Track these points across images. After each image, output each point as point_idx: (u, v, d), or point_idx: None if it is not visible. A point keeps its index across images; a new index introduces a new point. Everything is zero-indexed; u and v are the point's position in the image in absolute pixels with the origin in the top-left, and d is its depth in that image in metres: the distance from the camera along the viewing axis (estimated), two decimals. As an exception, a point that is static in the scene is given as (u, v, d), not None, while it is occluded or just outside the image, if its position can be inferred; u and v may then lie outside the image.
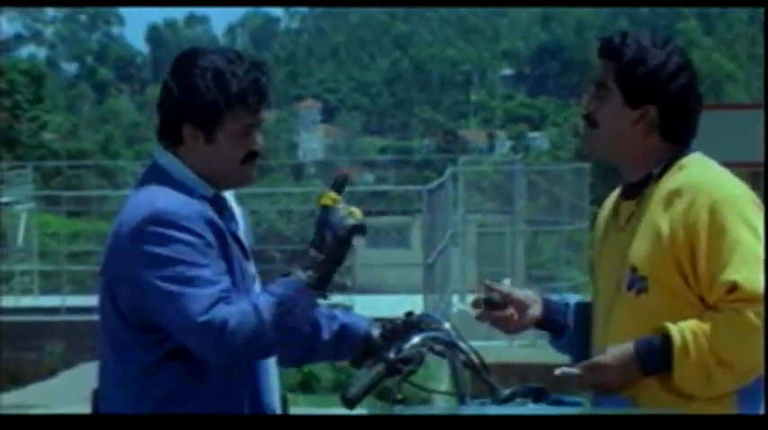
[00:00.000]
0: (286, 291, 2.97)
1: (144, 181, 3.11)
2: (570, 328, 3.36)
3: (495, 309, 3.34)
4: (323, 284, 3.03)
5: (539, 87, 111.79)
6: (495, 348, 15.21)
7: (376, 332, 3.27)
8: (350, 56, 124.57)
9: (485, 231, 22.24)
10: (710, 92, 48.03)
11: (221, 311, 2.90)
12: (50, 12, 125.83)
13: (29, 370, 16.82)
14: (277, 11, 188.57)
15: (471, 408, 2.92)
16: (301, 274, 3.00)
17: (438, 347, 3.06)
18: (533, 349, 16.97)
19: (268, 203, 29.20)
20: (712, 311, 3.04)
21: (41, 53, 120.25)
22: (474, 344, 3.10)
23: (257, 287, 3.18)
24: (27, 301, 19.50)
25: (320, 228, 3.04)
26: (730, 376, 3.03)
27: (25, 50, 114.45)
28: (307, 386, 13.54)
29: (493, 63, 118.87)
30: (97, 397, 3.20)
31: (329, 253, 3.02)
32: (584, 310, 3.38)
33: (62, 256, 20.72)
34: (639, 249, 3.13)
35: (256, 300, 2.95)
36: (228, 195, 3.22)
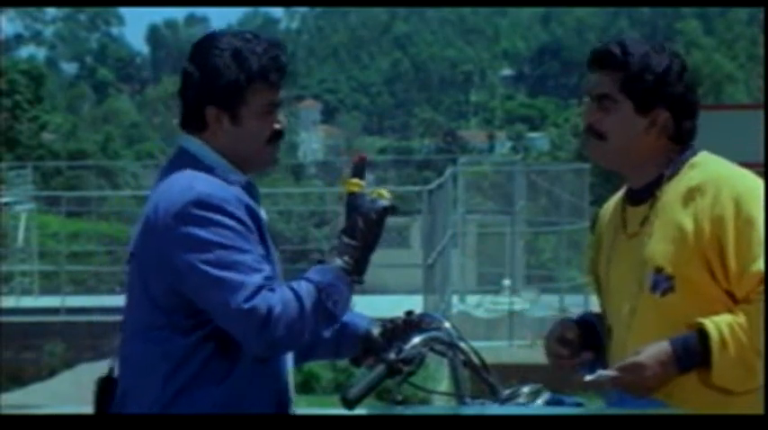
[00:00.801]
0: (324, 277, 2.96)
1: (173, 166, 3.08)
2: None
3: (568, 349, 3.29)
4: (360, 270, 3.02)
5: (539, 88, 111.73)
6: (495, 349, 15.23)
7: (376, 331, 3.26)
8: (350, 56, 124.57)
9: (485, 232, 22.24)
10: (710, 92, 48.02)
11: (265, 299, 2.88)
12: (50, 12, 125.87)
13: (29, 370, 16.83)
14: (277, 11, 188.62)
15: (472, 409, 2.92)
16: (338, 261, 2.99)
17: (438, 347, 3.05)
18: (533, 350, 16.96)
19: (268, 204, 29.13)
20: (744, 304, 3.04)
21: (41, 53, 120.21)
22: (473, 344, 3.09)
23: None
24: (27, 302, 19.50)
25: (350, 214, 3.03)
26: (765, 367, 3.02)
27: (25, 50, 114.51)
28: (307, 386, 13.54)
29: (493, 63, 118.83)
30: (103, 386, 3.16)
31: (363, 238, 3.01)
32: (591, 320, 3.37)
33: (62, 257, 20.71)
34: (662, 249, 3.12)
35: (298, 288, 2.93)
36: None
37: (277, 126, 3.12)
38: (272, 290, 2.91)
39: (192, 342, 2.99)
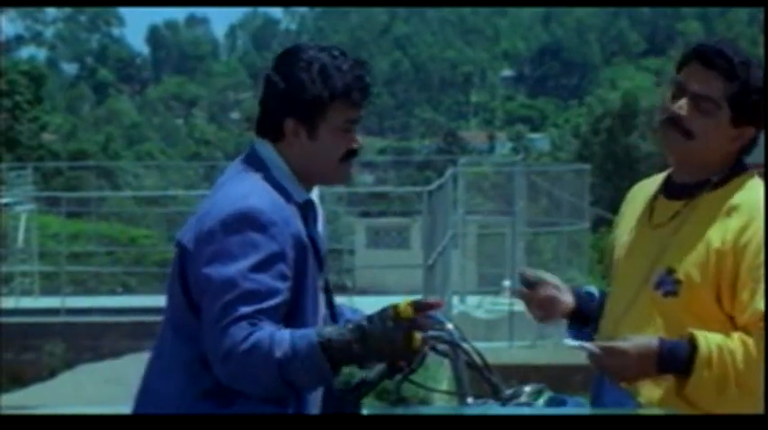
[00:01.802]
0: (300, 342, 2.88)
1: (242, 166, 3.10)
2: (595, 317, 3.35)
3: (530, 289, 3.34)
4: (338, 359, 2.87)
5: (539, 88, 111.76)
6: (495, 349, 15.21)
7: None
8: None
9: (485, 232, 22.24)
10: (711, 93, 47.89)
11: (239, 332, 2.87)
12: (51, 12, 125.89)
13: (29, 371, 16.81)
14: (277, 11, 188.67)
15: (474, 408, 2.91)
16: (333, 339, 2.86)
17: (441, 347, 3.05)
18: (533, 350, 16.97)
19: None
20: (742, 333, 3.04)
21: (42, 54, 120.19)
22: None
23: (321, 300, 3.14)
24: (27, 302, 19.49)
25: (382, 331, 2.83)
26: (746, 399, 3.03)
27: (25, 51, 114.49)
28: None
29: (493, 64, 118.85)
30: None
31: (366, 353, 2.87)
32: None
33: (62, 257, 20.69)
34: (682, 253, 3.11)
35: (276, 337, 2.88)
36: (314, 195, 3.18)
37: (353, 145, 3.13)
38: (252, 325, 2.88)
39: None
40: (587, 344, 3.09)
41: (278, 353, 2.86)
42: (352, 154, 3.13)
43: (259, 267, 2.92)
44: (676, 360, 3.03)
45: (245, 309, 2.89)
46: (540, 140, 78.26)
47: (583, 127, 52.57)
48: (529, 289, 3.35)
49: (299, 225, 3.03)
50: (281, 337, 2.88)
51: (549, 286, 3.36)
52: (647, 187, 3.36)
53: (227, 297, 2.90)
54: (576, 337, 3.39)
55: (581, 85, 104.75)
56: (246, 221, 2.94)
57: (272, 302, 2.92)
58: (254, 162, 3.09)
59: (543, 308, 3.36)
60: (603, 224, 27.99)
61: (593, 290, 3.44)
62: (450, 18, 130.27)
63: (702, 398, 3.04)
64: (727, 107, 3.15)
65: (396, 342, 2.82)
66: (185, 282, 3.03)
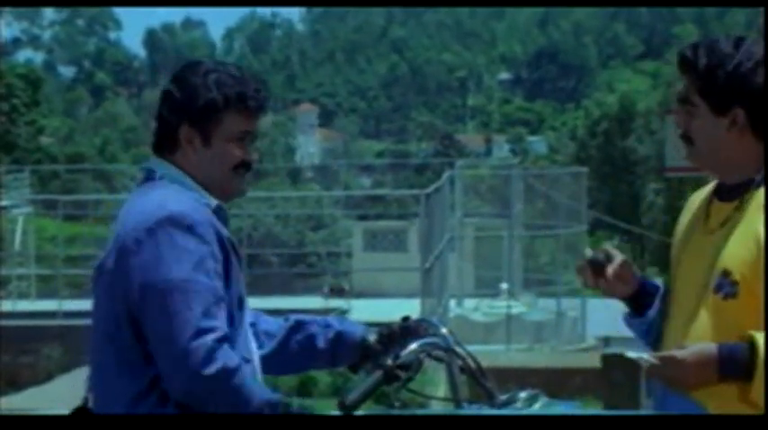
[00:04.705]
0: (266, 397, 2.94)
1: (146, 185, 3.09)
2: (653, 310, 3.29)
3: (598, 271, 3.25)
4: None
5: (536, 91, 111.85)
6: (493, 352, 15.20)
7: (372, 337, 3.25)
8: (347, 60, 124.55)
9: (482, 235, 22.23)
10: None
11: (202, 351, 2.85)
12: (48, 15, 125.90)
13: (26, 374, 16.81)
14: (274, 14, 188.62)
15: (467, 410, 2.91)
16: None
17: (436, 353, 3.04)
18: (531, 353, 16.97)
19: (265, 207, 29.18)
20: None
21: (39, 57, 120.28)
22: (471, 348, 3.08)
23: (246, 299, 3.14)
24: (24, 305, 19.49)
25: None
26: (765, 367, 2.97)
27: (23, 54, 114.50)
28: (304, 390, 13.53)
29: (490, 67, 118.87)
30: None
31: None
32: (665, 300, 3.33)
33: (59, 260, 20.69)
34: (735, 254, 3.08)
35: (243, 369, 2.91)
36: None
37: (247, 157, 3.12)
38: (214, 341, 2.86)
39: (155, 376, 2.95)
40: (645, 357, 3.04)
41: (242, 383, 2.88)
42: (245, 166, 3.12)
43: (195, 269, 2.90)
44: (737, 364, 2.98)
45: (199, 323, 2.86)
46: (538, 143, 78.38)
47: (580, 130, 52.63)
48: (596, 270, 3.25)
49: (219, 225, 3.02)
50: (244, 373, 2.90)
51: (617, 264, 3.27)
52: (703, 193, 3.32)
53: (174, 307, 2.86)
54: (631, 327, 3.35)
55: (578, 88, 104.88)
56: (172, 225, 2.92)
57: (216, 302, 2.92)
58: (154, 180, 3.08)
59: (614, 280, 3.25)
60: (601, 227, 28.00)
61: (658, 283, 3.35)
62: (447, 21, 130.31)
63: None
64: (701, 100, 3.13)
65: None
66: (114, 306, 2.97)
